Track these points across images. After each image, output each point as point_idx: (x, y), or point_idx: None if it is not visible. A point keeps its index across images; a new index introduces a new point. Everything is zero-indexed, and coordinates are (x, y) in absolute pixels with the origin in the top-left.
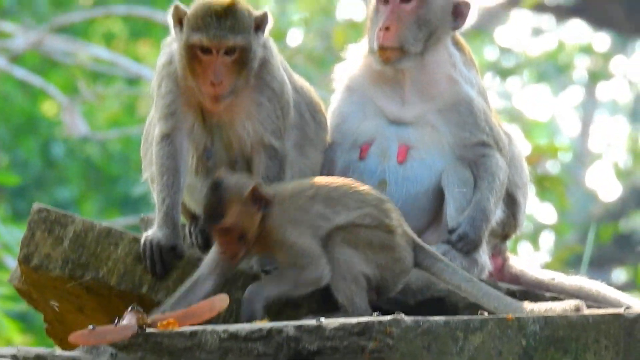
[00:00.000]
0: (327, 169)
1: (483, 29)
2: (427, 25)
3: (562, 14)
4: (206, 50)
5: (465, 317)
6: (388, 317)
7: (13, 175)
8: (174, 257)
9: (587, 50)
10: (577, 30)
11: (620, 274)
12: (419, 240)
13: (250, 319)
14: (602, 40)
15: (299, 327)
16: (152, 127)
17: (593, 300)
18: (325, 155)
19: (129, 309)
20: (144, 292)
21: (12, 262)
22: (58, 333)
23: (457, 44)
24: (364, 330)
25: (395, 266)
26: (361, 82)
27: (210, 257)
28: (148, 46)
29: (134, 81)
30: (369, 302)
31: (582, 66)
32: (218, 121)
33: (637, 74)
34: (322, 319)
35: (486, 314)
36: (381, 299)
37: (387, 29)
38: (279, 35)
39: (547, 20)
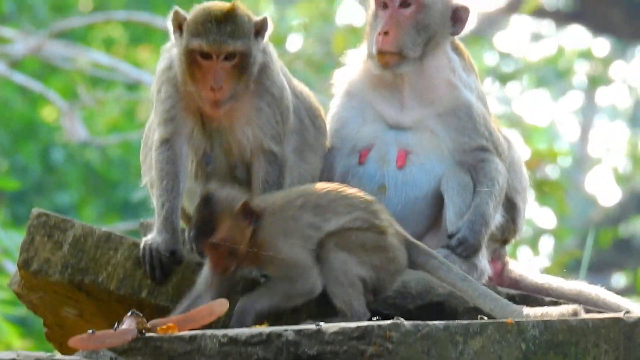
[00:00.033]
0: (326, 174)
1: (483, 34)
2: (425, 30)
3: (561, 19)
4: (206, 56)
5: (465, 322)
6: (388, 322)
7: (13, 180)
8: (173, 262)
9: (586, 55)
10: (577, 36)
11: (619, 279)
12: (411, 238)
13: None
14: (601, 45)
15: (298, 332)
16: (152, 132)
17: (593, 304)
18: (325, 160)
19: (129, 313)
20: (143, 296)
21: (11, 267)
22: (58, 337)
23: (456, 49)
24: (363, 334)
25: (390, 266)
26: (360, 87)
27: (205, 274)
28: (148, 51)
29: (133, 86)
30: (366, 304)
31: (581, 71)
32: (218, 126)
33: (636, 79)
34: (322, 324)
35: (486, 318)
36: (377, 299)
37: (385, 33)
38: (279, 41)
39: (546, 25)
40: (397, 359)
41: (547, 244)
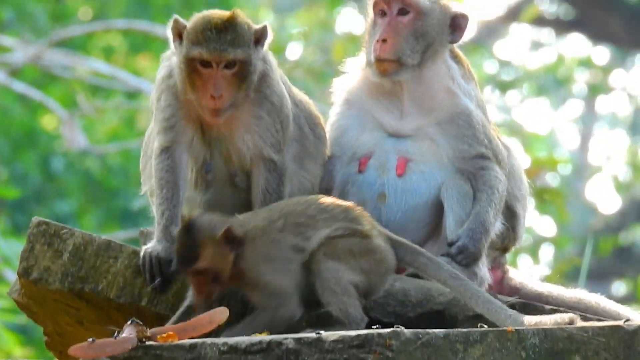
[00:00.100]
0: (326, 182)
1: (482, 43)
2: (424, 38)
3: (561, 27)
4: (206, 64)
5: (465, 330)
6: (388, 330)
7: (13, 189)
8: (173, 270)
9: (586, 63)
10: (577, 44)
11: (620, 287)
12: (396, 237)
13: None
14: (601, 53)
15: (298, 340)
16: (151, 140)
17: (593, 312)
18: (325, 169)
19: (129, 321)
20: (143, 304)
21: (11, 275)
22: (58, 346)
23: (455, 57)
24: (363, 342)
25: (380, 267)
26: (359, 95)
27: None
28: (147, 60)
29: (133, 95)
30: (362, 308)
31: (581, 79)
32: (217, 134)
33: (636, 87)
34: (322, 332)
35: (486, 326)
36: (369, 300)
37: (384, 41)
38: (279, 49)
39: (546, 33)
40: None
41: (547, 252)
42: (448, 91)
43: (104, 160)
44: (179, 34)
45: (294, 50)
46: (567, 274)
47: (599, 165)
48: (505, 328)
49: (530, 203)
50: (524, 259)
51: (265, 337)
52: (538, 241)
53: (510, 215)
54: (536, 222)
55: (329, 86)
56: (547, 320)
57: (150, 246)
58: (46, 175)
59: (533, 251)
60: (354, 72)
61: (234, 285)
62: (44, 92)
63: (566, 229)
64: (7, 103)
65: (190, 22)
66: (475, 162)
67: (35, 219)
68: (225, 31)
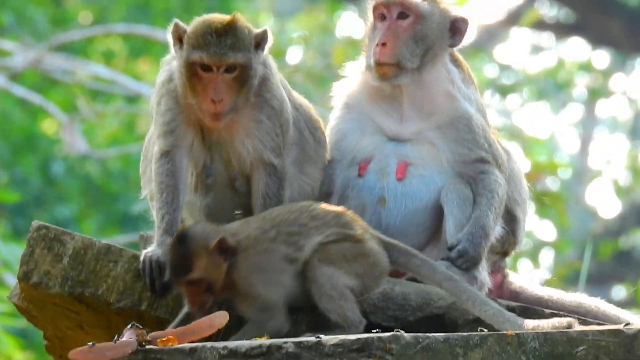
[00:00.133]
0: (326, 186)
1: (482, 47)
2: (423, 41)
3: (561, 31)
4: (206, 68)
5: (465, 334)
6: (388, 334)
7: (13, 193)
8: None
9: (586, 67)
10: (577, 48)
11: (620, 291)
12: (388, 239)
13: None
14: (601, 57)
15: (298, 344)
16: (151, 144)
17: (593, 316)
18: (325, 173)
19: (129, 325)
20: (143, 309)
21: (11, 280)
22: (58, 350)
23: (455, 60)
24: (363, 346)
25: (374, 270)
26: (359, 99)
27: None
28: (147, 64)
29: (133, 99)
30: (360, 311)
31: (581, 84)
32: (217, 139)
33: (636, 92)
34: (322, 336)
35: (486, 330)
36: (362, 299)
37: (383, 44)
38: (279, 53)
39: (546, 37)
40: None
41: (547, 256)
42: (448, 95)
43: (104, 165)
44: (179, 38)
45: (294, 54)
46: (567, 278)
47: (599, 169)
48: (505, 332)
49: (530, 207)
50: (524, 263)
51: (265, 341)
52: (538, 245)
53: (510, 219)
54: (536, 226)
55: (329, 90)
56: (545, 324)
57: (151, 250)
58: (46, 180)
59: (533, 255)
60: (354, 76)
61: (226, 295)
62: (44, 96)
63: (566, 233)
64: (7, 107)
65: (190, 26)
66: (475, 166)
67: (35, 223)
68: (226, 35)
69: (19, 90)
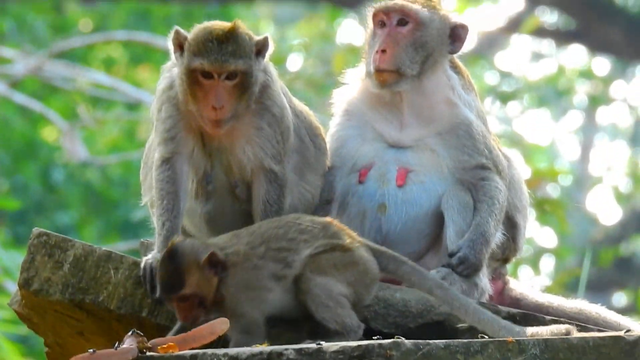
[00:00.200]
0: (326, 193)
1: (483, 54)
2: (423, 48)
3: (562, 38)
4: (207, 75)
5: (466, 340)
6: (388, 341)
7: (13, 200)
8: None
9: (587, 74)
10: (577, 55)
11: (620, 298)
12: (377, 247)
13: None
14: (602, 64)
15: (299, 351)
16: (152, 151)
17: (593, 323)
18: (325, 180)
19: (129, 332)
20: (144, 315)
21: (12, 286)
22: (58, 357)
23: (455, 67)
24: (364, 353)
25: (365, 278)
26: (359, 106)
27: None
28: (148, 71)
29: (133, 106)
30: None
31: (582, 90)
32: (218, 145)
33: (637, 98)
34: (322, 343)
35: (486, 337)
36: (357, 309)
37: (383, 51)
38: (279, 60)
39: (547, 45)
40: None
41: (548, 263)
42: (448, 102)
43: (105, 172)
44: (179, 45)
45: (295, 62)
46: (567, 285)
47: (600, 176)
48: (506, 339)
49: (531, 214)
50: (525, 270)
51: (265, 348)
52: (539, 252)
53: (511, 226)
54: (537, 233)
55: (329, 97)
56: (544, 331)
57: (151, 257)
58: (47, 187)
59: (534, 262)
60: (354, 83)
61: (216, 310)
62: (45, 103)
63: (567, 240)
64: (8, 114)
65: (191, 34)
66: (476, 173)
67: (36, 230)
68: (227, 42)
69: (20, 98)
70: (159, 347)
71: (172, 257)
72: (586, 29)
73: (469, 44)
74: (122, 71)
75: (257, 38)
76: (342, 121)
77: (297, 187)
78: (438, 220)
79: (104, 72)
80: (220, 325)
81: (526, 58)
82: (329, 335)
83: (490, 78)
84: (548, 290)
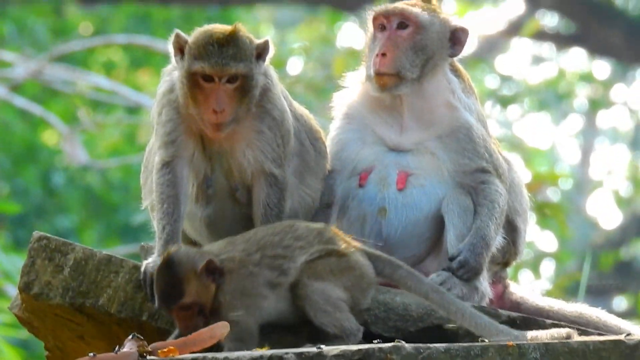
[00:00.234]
0: (326, 197)
1: (483, 57)
2: (423, 51)
3: (562, 42)
4: (208, 78)
5: (466, 344)
6: (389, 345)
7: (13, 204)
8: None
9: (587, 78)
10: (578, 59)
11: (621, 302)
12: (372, 251)
13: None
14: (602, 68)
15: (299, 354)
16: (152, 155)
17: (594, 327)
18: (325, 183)
19: (130, 336)
20: (144, 319)
21: (12, 290)
22: None
23: (455, 70)
24: (364, 357)
25: (362, 282)
26: (360, 109)
27: None
28: (148, 75)
29: (133, 110)
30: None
31: (582, 94)
32: (218, 149)
33: (637, 102)
34: (323, 346)
35: (487, 341)
36: (354, 313)
37: (383, 55)
38: (279, 64)
39: (547, 48)
40: None
41: (548, 267)
42: (448, 105)
43: (105, 175)
44: (180, 49)
45: (295, 65)
46: (568, 289)
47: (600, 180)
48: (506, 342)
49: (531, 218)
50: (525, 274)
51: (266, 351)
52: (539, 256)
53: (511, 230)
54: (537, 236)
55: (329, 101)
56: (544, 335)
57: (151, 261)
58: (47, 190)
59: (534, 266)
60: (354, 86)
61: (214, 317)
62: (45, 107)
63: (567, 243)
64: (8, 118)
65: (192, 37)
66: (476, 176)
67: (36, 234)
68: (227, 45)
69: (20, 101)
70: (159, 351)
71: (168, 267)
72: (586, 33)
73: (469, 47)
74: (123, 75)
75: (257, 41)
76: (342, 124)
77: (298, 190)
78: (438, 224)
79: (104, 76)
80: (220, 329)
81: (526, 61)
82: (329, 340)
83: (491, 81)
84: (548, 294)
